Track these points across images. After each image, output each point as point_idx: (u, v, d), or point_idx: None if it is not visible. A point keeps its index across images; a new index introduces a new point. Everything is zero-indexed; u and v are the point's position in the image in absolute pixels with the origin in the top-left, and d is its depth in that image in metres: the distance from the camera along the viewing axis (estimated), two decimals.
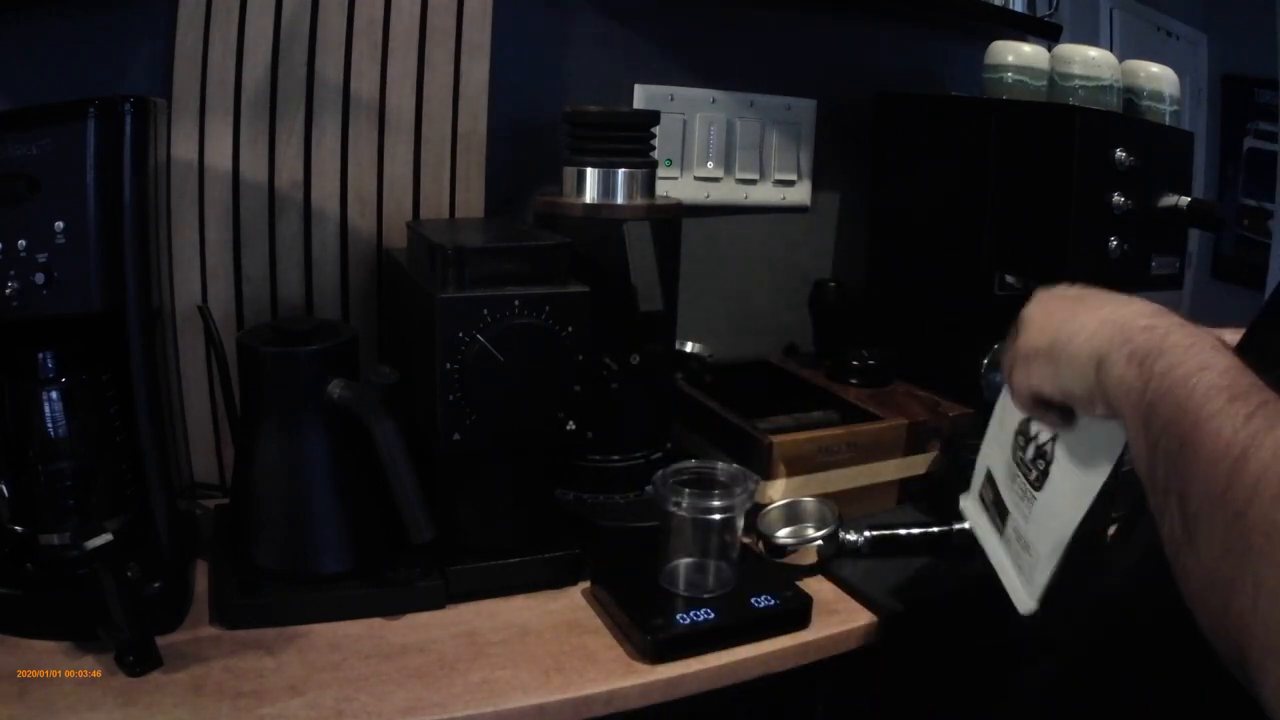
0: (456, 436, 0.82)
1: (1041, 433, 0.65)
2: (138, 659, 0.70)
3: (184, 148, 0.96)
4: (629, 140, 0.96)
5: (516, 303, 0.81)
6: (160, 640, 0.72)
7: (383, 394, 0.79)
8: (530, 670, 0.75)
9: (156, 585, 0.77)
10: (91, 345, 0.78)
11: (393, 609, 0.82)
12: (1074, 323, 0.56)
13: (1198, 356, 0.48)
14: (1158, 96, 1.23)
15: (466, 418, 0.81)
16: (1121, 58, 1.25)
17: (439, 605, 0.83)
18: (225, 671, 0.72)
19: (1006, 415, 0.70)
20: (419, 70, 1.04)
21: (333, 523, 0.83)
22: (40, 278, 0.71)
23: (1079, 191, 1.06)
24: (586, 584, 0.88)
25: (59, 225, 0.71)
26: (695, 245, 1.29)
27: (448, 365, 0.80)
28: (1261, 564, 0.40)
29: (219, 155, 0.97)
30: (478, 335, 0.79)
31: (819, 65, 1.36)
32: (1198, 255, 2.18)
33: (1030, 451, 0.66)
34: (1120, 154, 1.07)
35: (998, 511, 0.71)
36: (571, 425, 0.86)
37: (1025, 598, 0.67)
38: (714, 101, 1.29)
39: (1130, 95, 1.24)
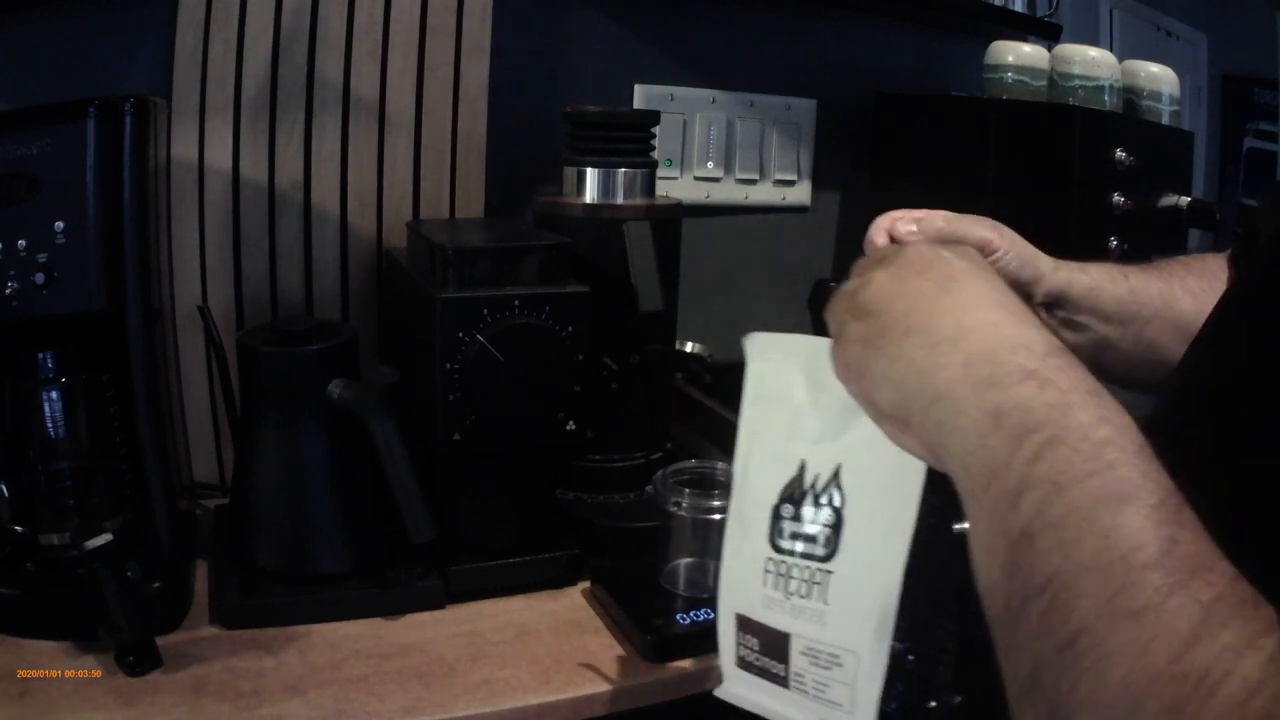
0: (456, 436, 0.82)
1: (820, 475, 0.50)
2: (138, 659, 0.70)
3: (184, 148, 0.96)
4: (629, 140, 0.96)
5: (516, 303, 0.81)
6: (160, 640, 0.72)
7: (383, 394, 0.79)
8: (530, 670, 0.75)
9: (156, 585, 0.77)
10: (91, 345, 0.78)
11: (393, 609, 0.82)
12: (928, 321, 0.42)
13: (1119, 470, 0.33)
14: (1157, 96, 1.23)
15: (466, 418, 0.81)
16: (1121, 58, 1.26)
17: (439, 605, 0.83)
18: (225, 671, 0.72)
19: (746, 501, 0.54)
20: (419, 70, 1.04)
21: (332, 523, 0.83)
22: (40, 278, 0.71)
23: (1079, 191, 1.07)
24: (586, 584, 0.88)
25: (59, 225, 0.71)
26: (695, 245, 1.29)
27: (448, 365, 0.80)
28: None
29: (219, 155, 0.97)
30: (478, 335, 0.79)
31: (819, 65, 1.36)
32: None
33: (806, 512, 0.50)
34: (1120, 154, 1.08)
35: (773, 655, 0.52)
36: (571, 425, 0.86)
37: None
38: (714, 101, 1.29)
39: (1130, 95, 1.24)
